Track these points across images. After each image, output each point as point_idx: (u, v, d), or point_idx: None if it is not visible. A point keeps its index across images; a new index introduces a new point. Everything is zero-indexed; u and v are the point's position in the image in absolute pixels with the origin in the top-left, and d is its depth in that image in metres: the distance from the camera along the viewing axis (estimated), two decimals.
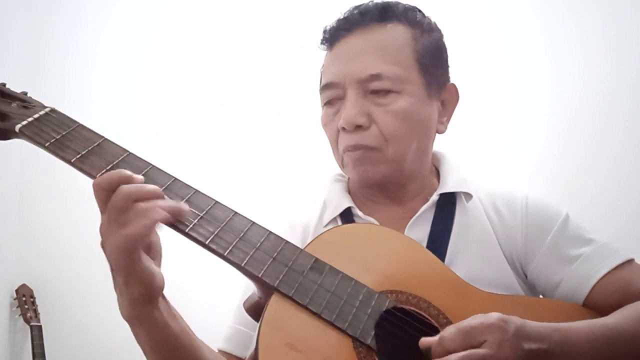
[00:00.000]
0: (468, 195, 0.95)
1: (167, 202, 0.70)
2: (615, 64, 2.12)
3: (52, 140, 0.76)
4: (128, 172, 0.69)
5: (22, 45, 2.45)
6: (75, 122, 0.79)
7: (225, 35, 2.43)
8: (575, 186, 2.06)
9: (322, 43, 0.97)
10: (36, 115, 0.78)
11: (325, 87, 0.93)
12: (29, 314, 2.26)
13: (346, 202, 0.96)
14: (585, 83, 2.15)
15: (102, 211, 0.69)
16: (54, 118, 0.79)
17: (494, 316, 0.70)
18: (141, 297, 0.70)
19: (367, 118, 0.89)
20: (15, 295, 2.32)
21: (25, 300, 2.29)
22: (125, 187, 0.68)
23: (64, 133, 0.77)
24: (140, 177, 0.70)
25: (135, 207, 0.67)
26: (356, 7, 0.95)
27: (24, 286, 2.34)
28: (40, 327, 2.25)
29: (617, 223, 1.91)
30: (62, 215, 2.37)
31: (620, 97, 2.11)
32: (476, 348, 0.66)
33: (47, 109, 0.80)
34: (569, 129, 2.16)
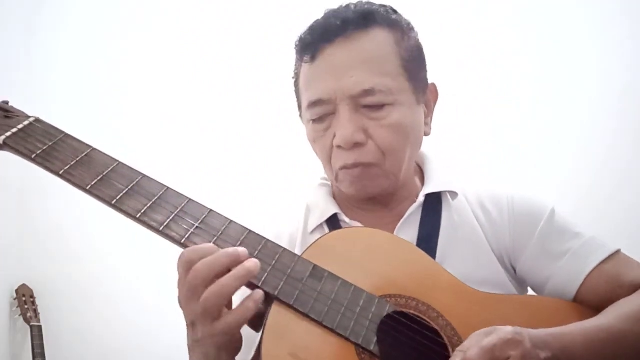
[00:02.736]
0: (454, 194, 0.94)
1: (240, 268, 0.69)
2: None
3: (39, 152, 0.74)
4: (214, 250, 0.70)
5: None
6: (61, 131, 0.77)
7: (225, 35, 2.39)
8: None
9: (301, 54, 0.91)
10: (20, 126, 0.76)
11: (314, 104, 0.89)
12: (29, 314, 2.26)
13: (332, 209, 0.94)
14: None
15: (180, 278, 0.70)
16: (39, 128, 0.76)
17: (509, 330, 0.69)
18: (225, 345, 0.71)
19: (364, 134, 0.87)
20: (15, 295, 2.31)
21: (25, 300, 2.29)
22: (199, 271, 0.68)
23: (50, 144, 0.75)
24: (237, 250, 0.70)
25: (218, 284, 0.68)
26: (333, 14, 0.91)
27: (24, 286, 2.34)
28: (40, 327, 2.25)
29: None
30: (63, 215, 2.36)
31: None
32: None
33: (31, 119, 0.78)
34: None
